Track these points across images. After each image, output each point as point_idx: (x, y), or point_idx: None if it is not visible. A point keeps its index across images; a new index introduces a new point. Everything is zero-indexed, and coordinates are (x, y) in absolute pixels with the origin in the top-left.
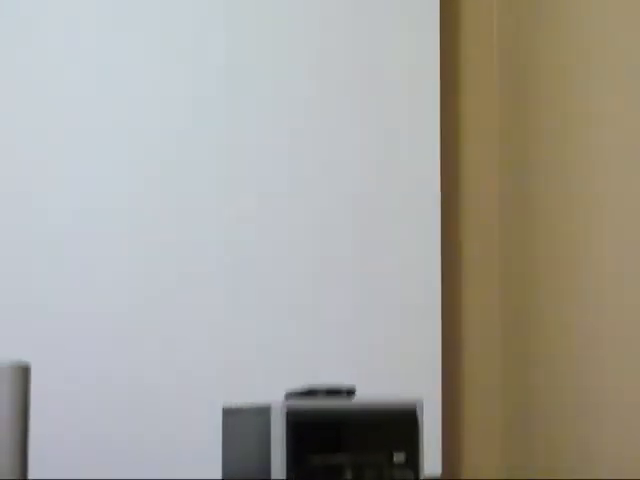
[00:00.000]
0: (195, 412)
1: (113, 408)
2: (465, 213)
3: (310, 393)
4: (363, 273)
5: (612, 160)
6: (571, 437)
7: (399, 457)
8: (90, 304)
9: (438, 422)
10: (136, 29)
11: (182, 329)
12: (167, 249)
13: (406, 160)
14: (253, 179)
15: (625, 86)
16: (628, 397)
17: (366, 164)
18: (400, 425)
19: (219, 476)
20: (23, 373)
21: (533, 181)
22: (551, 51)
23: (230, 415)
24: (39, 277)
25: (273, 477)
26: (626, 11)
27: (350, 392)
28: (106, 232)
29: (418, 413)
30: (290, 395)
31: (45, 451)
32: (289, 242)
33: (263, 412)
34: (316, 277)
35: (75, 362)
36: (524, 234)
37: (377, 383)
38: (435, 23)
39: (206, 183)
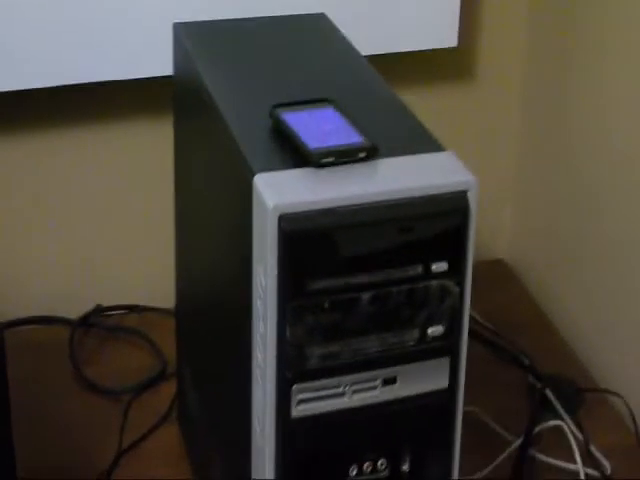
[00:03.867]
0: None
1: None
2: None
3: (309, 158)
4: None
5: None
6: None
7: (439, 266)
8: None
9: None
10: None
11: None
12: None
13: None
14: None
15: None
16: None
17: None
18: (442, 221)
19: None
20: None
21: None
22: None
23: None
24: None
25: (256, 302)
26: None
27: (370, 152)
28: None
29: (470, 201)
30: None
31: None
32: None
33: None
34: None
35: None
36: None
37: None
38: None
39: None
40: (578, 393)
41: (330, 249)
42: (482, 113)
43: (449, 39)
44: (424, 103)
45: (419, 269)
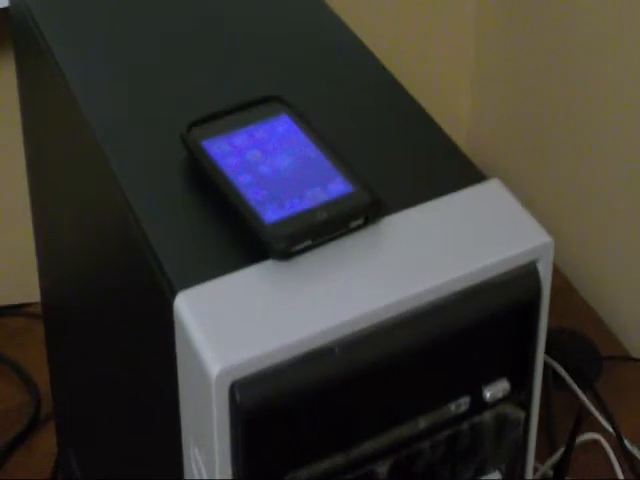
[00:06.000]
0: None
1: None
2: None
3: (268, 245)
4: None
5: None
6: None
7: (498, 389)
8: None
9: None
10: None
11: None
12: None
13: None
14: None
15: None
16: None
17: None
18: (501, 321)
19: None
20: None
21: None
22: None
23: None
24: None
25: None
26: None
27: (371, 212)
28: None
29: (542, 279)
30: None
31: None
32: None
33: None
34: None
35: None
36: None
37: None
38: None
39: None
40: (600, 361)
41: (322, 416)
42: None
43: None
44: None
45: (466, 402)
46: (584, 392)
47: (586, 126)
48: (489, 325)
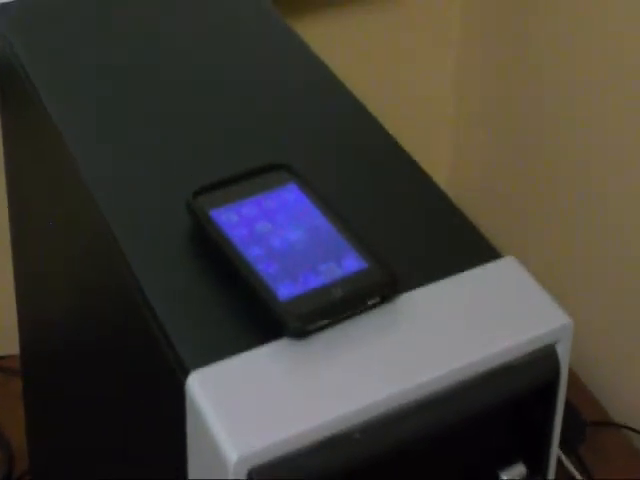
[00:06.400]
0: None
1: None
2: None
3: (284, 324)
4: None
5: None
6: None
7: (514, 474)
8: None
9: None
10: None
11: None
12: None
13: None
14: None
15: None
16: None
17: None
18: (517, 405)
19: None
20: None
21: None
22: None
23: None
24: None
25: None
26: None
27: (387, 290)
28: None
29: (561, 361)
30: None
31: None
32: None
33: None
34: None
35: None
36: None
37: None
38: None
39: None
40: (583, 426)
41: None
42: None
43: None
44: (354, 25)
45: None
46: (568, 457)
47: (574, 179)
48: (507, 409)
